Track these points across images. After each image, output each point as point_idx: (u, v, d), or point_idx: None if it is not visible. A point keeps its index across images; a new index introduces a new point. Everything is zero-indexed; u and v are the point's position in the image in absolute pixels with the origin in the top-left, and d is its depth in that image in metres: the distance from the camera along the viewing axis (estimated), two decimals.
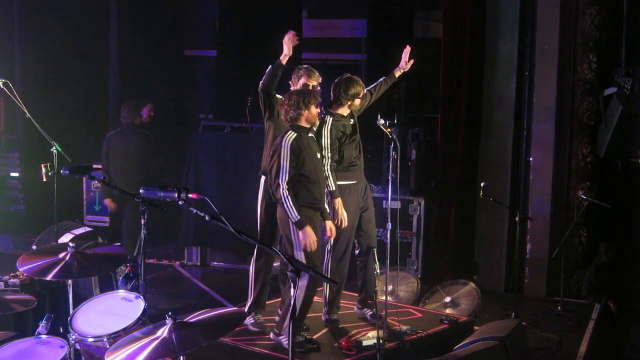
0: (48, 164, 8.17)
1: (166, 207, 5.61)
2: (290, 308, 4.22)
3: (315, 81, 7.69)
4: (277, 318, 7.80)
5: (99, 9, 12.78)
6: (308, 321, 7.76)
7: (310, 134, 7.24)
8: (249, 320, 7.65)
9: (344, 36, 13.25)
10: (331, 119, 7.79)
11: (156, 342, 4.43)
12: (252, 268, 7.83)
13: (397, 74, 8.33)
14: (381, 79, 8.28)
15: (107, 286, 7.89)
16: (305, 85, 7.61)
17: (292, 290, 4.23)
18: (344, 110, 7.88)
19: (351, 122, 7.89)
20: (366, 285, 8.10)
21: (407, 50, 8.32)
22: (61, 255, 5.64)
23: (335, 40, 13.42)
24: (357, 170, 7.93)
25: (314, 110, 7.15)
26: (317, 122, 7.40)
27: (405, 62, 8.31)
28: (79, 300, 5.80)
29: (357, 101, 7.89)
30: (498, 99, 10.11)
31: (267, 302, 7.98)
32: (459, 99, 10.12)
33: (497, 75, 10.10)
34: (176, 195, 4.93)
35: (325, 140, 7.70)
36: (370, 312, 8.09)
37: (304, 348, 7.20)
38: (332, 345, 7.34)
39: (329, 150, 7.67)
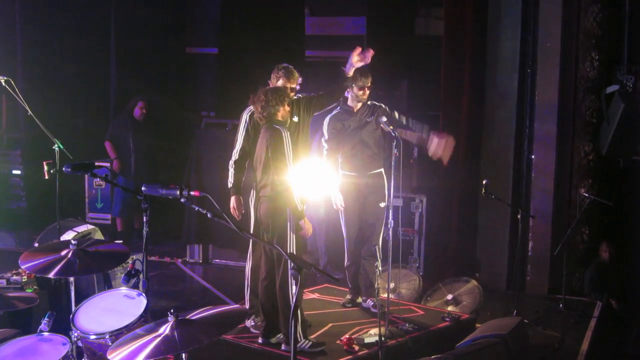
0: (50, 162, 8.18)
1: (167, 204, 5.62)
2: (292, 305, 4.22)
3: (294, 83, 7.56)
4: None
5: (100, 6, 12.78)
6: (310, 318, 7.79)
7: None
8: (249, 323, 7.65)
9: (347, 34, 13.23)
10: (336, 110, 8.25)
11: (158, 339, 4.43)
12: (247, 269, 7.78)
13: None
14: (413, 125, 8.31)
15: (106, 284, 7.93)
16: (285, 87, 7.48)
17: (293, 288, 4.22)
18: (354, 102, 8.22)
19: (360, 118, 8.08)
20: (369, 280, 8.22)
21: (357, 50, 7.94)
22: (63, 252, 5.63)
23: (337, 37, 13.40)
24: (356, 163, 8.25)
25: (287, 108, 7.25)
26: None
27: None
28: (81, 297, 5.80)
29: (359, 92, 8.11)
30: (500, 96, 10.10)
31: None
32: (460, 97, 10.12)
33: (499, 73, 10.09)
34: (178, 192, 4.93)
35: (323, 129, 8.30)
36: (373, 303, 8.14)
37: (319, 347, 7.24)
38: (334, 343, 7.34)
39: (324, 139, 8.27)
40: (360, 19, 12.39)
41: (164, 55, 13.12)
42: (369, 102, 8.29)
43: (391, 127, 7.81)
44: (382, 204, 8.15)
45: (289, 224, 7.12)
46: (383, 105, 8.31)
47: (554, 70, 9.81)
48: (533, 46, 9.89)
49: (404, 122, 8.28)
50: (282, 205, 7.10)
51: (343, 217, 8.39)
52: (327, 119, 8.31)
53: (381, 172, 8.26)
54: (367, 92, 8.19)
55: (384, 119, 7.94)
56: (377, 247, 7.81)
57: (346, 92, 8.15)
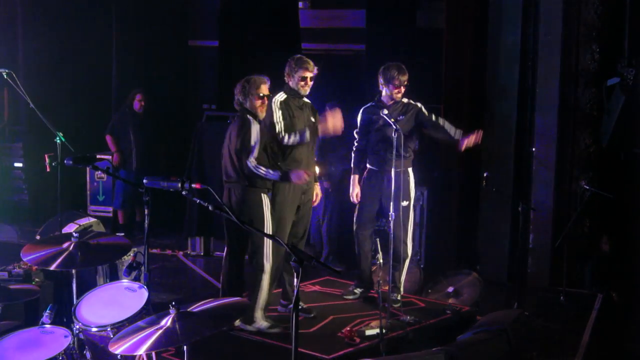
0: (52, 154, 8.19)
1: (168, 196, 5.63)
2: (294, 299, 4.23)
3: (311, 72, 7.64)
4: (279, 308, 7.88)
5: None
6: (315, 309, 7.86)
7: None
8: None
9: (348, 26, 13.25)
10: (371, 103, 8.33)
11: (160, 331, 4.44)
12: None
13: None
14: (448, 128, 8.17)
15: (113, 276, 7.94)
16: (303, 77, 7.58)
17: (295, 280, 4.24)
18: (387, 99, 8.23)
19: (389, 115, 7.98)
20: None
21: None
22: (65, 245, 5.65)
23: (339, 30, 13.41)
24: (378, 159, 8.24)
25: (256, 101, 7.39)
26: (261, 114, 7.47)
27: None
28: (84, 289, 5.81)
29: (394, 90, 8.09)
30: (501, 89, 10.10)
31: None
32: (461, 89, 10.13)
33: (500, 65, 10.10)
34: (179, 185, 4.94)
35: (357, 120, 8.37)
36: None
37: (276, 327, 7.45)
38: (335, 335, 7.36)
39: (356, 130, 8.35)
40: (360, 12, 12.39)
41: (165, 48, 13.12)
42: (404, 100, 8.24)
43: (392, 120, 7.76)
44: (405, 203, 8.12)
45: None
46: (419, 105, 8.25)
47: (555, 62, 9.81)
48: (534, 39, 9.89)
49: (441, 123, 8.20)
50: None
51: (357, 210, 8.43)
52: (360, 111, 8.34)
53: (406, 170, 8.19)
54: (403, 90, 8.16)
55: (385, 111, 7.89)
56: (378, 240, 7.82)
57: (381, 87, 8.18)
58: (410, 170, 8.26)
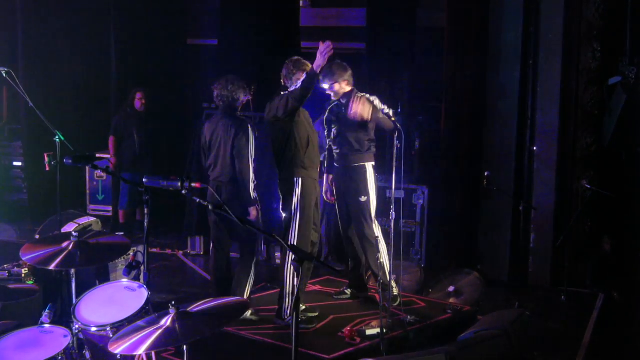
0: (51, 154, 8.16)
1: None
2: (294, 298, 4.21)
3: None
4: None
5: None
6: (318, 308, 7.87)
7: None
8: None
9: (348, 25, 13.23)
10: (334, 102, 8.17)
11: (159, 331, 4.43)
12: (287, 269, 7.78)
13: None
14: None
15: (104, 276, 7.92)
16: None
17: (295, 279, 4.21)
18: (337, 97, 8.10)
19: (338, 110, 8.09)
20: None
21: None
22: (64, 244, 5.63)
23: (339, 29, 13.39)
24: (337, 156, 8.23)
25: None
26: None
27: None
28: (81, 289, 5.79)
29: (330, 89, 8.01)
30: (502, 88, 10.08)
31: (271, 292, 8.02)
32: (462, 88, 10.10)
33: (501, 64, 10.07)
34: (179, 184, 4.92)
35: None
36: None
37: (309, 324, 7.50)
38: (335, 335, 7.34)
39: (326, 132, 8.27)
40: (361, 11, 12.37)
41: (164, 47, 13.10)
42: (352, 93, 8.10)
43: (393, 119, 7.73)
44: (363, 199, 8.07)
45: None
46: (365, 94, 8.03)
47: (556, 61, 9.79)
48: (535, 37, 9.87)
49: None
50: None
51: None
52: (327, 111, 8.27)
53: (362, 165, 8.12)
54: (338, 87, 7.99)
55: (386, 110, 7.84)
56: (378, 238, 7.81)
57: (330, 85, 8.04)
58: (368, 164, 8.14)
